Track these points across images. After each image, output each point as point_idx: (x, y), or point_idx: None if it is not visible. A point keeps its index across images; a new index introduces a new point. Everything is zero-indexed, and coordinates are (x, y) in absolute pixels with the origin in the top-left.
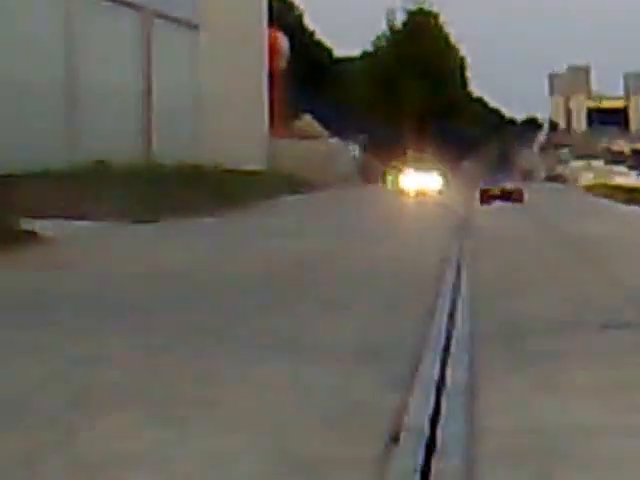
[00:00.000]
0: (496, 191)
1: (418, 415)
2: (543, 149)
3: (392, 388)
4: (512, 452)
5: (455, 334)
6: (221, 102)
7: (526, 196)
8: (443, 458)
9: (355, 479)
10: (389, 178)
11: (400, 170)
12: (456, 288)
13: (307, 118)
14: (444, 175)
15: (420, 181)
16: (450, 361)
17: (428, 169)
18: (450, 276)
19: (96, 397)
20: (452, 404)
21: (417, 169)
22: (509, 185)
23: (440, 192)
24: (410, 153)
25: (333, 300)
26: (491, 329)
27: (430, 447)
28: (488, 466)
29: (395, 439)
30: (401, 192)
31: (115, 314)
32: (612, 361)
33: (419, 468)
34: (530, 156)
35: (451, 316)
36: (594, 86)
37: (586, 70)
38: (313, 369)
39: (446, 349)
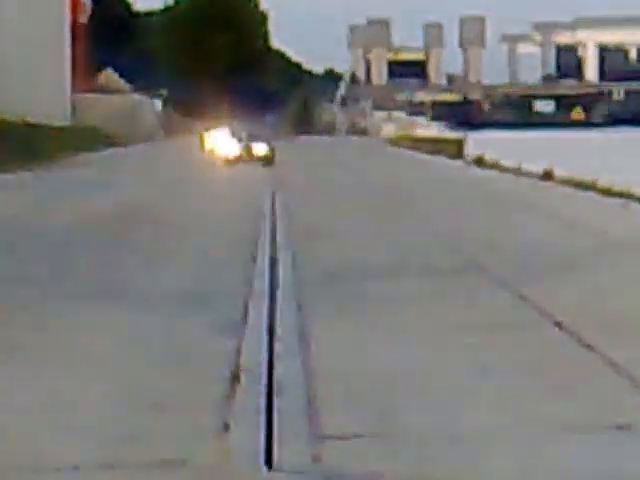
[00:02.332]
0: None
1: (254, 357)
2: (344, 102)
3: (225, 333)
4: (349, 391)
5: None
6: (21, 57)
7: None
8: (284, 398)
9: (200, 420)
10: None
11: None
12: (273, 240)
13: (109, 73)
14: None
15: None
16: (277, 307)
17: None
18: (267, 227)
19: None
20: (284, 347)
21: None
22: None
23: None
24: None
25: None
26: (314, 276)
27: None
28: (328, 405)
29: (236, 380)
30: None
31: None
32: (431, 305)
33: (263, 408)
34: (331, 109)
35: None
36: (394, 38)
37: (386, 22)
38: (143, 316)
39: (272, 295)
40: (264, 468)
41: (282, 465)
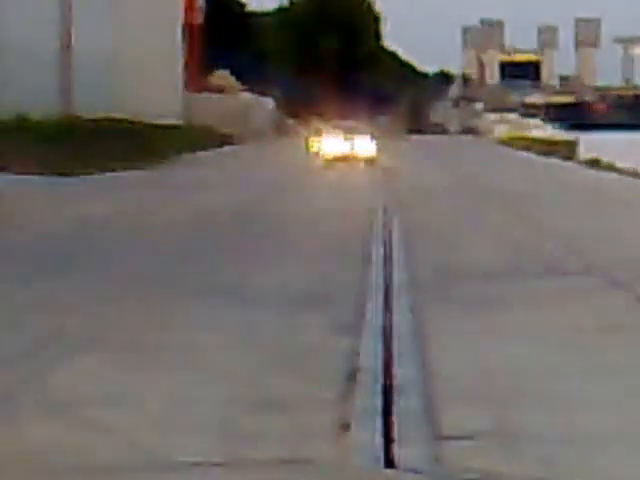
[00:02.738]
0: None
1: (371, 357)
2: (456, 102)
3: (341, 333)
4: (468, 391)
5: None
6: (137, 57)
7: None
8: (403, 398)
9: (320, 419)
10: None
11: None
12: (386, 241)
13: (223, 73)
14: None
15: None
16: (394, 306)
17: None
18: (379, 227)
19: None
20: (401, 346)
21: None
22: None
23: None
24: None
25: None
26: (429, 276)
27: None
28: (446, 405)
29: (354, 379)
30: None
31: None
32: (547, 306)
33: (380, 408)
34: (443, 109)
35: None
36: (507, 39)
37: (499, 24)
38: (259, 315)
39: (387, 295)
40: (385, 467)
41: (403, 464)
